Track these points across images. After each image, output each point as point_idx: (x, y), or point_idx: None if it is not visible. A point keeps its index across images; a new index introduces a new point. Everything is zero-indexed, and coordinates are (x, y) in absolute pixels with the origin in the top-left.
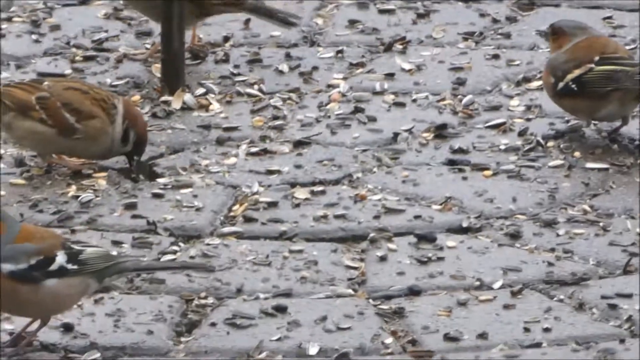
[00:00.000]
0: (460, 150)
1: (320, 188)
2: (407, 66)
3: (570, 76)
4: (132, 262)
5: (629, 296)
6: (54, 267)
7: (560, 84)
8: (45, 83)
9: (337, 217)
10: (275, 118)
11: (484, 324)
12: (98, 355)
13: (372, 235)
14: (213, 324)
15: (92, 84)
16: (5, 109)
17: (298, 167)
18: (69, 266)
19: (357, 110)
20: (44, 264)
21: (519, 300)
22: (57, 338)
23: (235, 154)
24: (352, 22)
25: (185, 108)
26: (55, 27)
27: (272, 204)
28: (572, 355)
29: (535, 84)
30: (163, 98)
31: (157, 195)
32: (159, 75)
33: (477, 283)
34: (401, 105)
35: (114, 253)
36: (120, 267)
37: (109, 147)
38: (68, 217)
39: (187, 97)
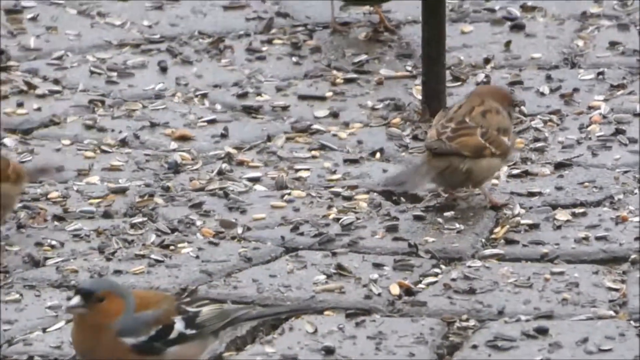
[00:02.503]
0: None
1: (581, 210)
2: None
3: None
4: (244, 313)
5: None
6: (173, 335)
7: None
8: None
9: (598, 238)
10: (537, 140)
11: None
12: None
13: (633, 257)
14: (474, 346)
15: None
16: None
17: (559, 188)
18: (188, 332)
19: (618, 131)
20: (163, 334)
21: None
22: None
23: (497, 176)
24: (613, 44)
25: None
26: (316, 49)
27: (534, 226)
28: None
29: None
30: (424, 120)
31: (418, 218)
32: (419, 97)
33: None
34: None
35: (226, 306)
36: (235, 321)
37: None
38: (329, 240)
39: None
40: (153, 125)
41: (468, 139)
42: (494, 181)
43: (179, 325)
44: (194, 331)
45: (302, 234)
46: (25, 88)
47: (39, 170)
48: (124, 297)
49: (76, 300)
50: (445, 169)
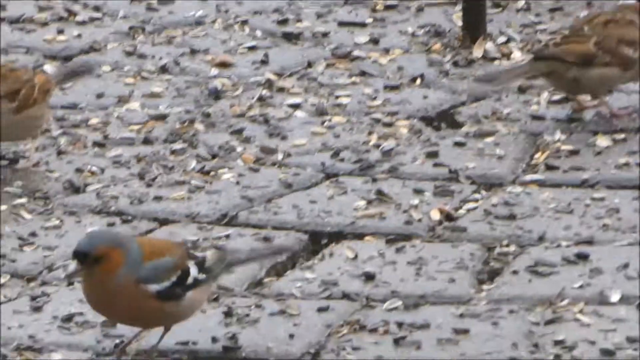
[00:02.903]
0: None
1: (622, 136)
2: None
3: None
4: (235, 257)
5: None
6: (190, 280)
7: None
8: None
9: (639, 164)
10: None
11: None
12: (399, 303)
13: None
14: (515, 272)
15: None
16: (568, 66)
17: (600, 114)
18: (200, 276)
19: None
20: (182, 279)
21: None
22: (359, 287)
23: (537, 101)
24: None
25: (487, 57)
26: None
27: (574, 152)
28: None
29: None
30: (464, 46)
31: (458, 144)
32: (460, 23)
33: None
34: None
35: (221, 250)
36: (229, 266)
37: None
38: (369, 166)
39: (489, 45)
40: (193, 52)
41: (575, 46)
42: (534, 107)
43: (193, 271)
44: (204, 276)
45: (342, 160)
46: (65, 15)
47: (68, 73)
48: (122, 247)
49: (73, 266)
50: (548, 74)
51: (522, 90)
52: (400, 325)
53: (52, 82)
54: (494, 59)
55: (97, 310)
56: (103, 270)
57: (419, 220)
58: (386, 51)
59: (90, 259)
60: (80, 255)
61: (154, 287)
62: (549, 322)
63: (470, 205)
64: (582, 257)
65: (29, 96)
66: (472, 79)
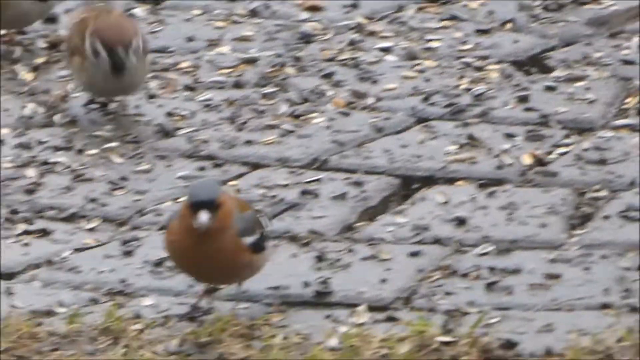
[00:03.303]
0: None
1: None
2: None
3: None
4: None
5: None
6: (266, 233)
7: None
8: None
9: None
10: None
11: None
12: (491, 248)
13: None
14: (606, 217)
15: None
16: None
17: None
18: (268, 230)
19: None
20: (264, 232)
21: None
22: (450, 231)
23: (628, 46)
24: None
25: (577, 1)
26: None
27: None
28: None
29: None
30: None
31: (550, 88)
32: None
33: None
34: None
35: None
36: None
37: None
38: (460, 110)
39: None
40: None
41: None
42: (624, 51)
43: (266, 223)
44: (269, 229)
45: (433, 104)
46: None
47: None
48: (229, 196)
49: (205, 216)
50: None
51: (613, 35)
52: (491, 270)
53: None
54: (584, 3)
55: (193, 267)
56: (223, 218)
57: (510, 164)
58: None
59: (215, 207)
60: (208, 204)
61: (248, 240)
62: None
63: (561, 149)
64: None
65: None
66: (583, 22)
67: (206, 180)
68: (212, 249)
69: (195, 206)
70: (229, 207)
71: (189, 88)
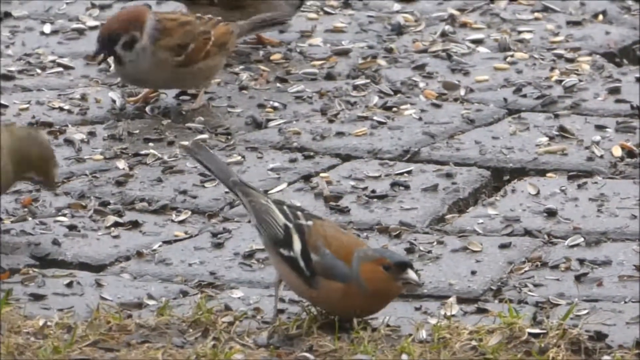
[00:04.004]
0: None
1: None
2: None
3: None
4: None
5: None
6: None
7: None
8: None
9: None
10: None
11: None
12: (581, 239)
13: None
14: None
15: None
16: None
17: None
18: None
19: None
20: None
21: None
22: (541, 223)
23: None
24: None
25: None
26: None
27: None
28: None
29: None
30: None
31: None
32: None
33: None
34: None
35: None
36: None
37: None
38: (552, 102)
39: None
40: None
41: None
42: None
43: None
44: None
45: (524, 95)
46: None
47: (261, 22)
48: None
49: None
50: None
51: None
52: (581, 262)
53: (232, 33)
54: None
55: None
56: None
57: (601, 156)
58: None
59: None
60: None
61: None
62: None
63: None
64: None
65: (200, 50)
66: None
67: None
68: (389, 300)
69: (403, 265)
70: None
71: (280, 79)
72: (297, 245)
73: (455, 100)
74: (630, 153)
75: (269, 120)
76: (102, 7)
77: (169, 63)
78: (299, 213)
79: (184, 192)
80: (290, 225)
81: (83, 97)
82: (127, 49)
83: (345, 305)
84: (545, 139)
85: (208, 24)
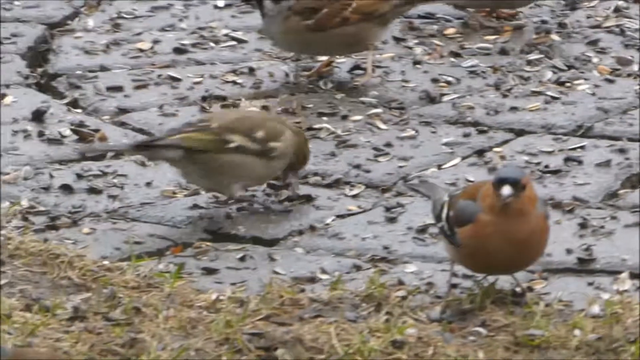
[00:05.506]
0: None
1: None
2: None
3: None
4: None
5: None
6: None
7: None
8: None
9: None
10: None
11: None
12: None
13: None
14: None
15: None
16: None
17: None
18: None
19: None
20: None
21: None
22: None
23: None
24: None
25: None
26: None
27: None
28: None
29: None
30: None
31: None
32: None
33: None
34: None
35: None
36: None
37: None
38: None
39: None
40: None
41: None
42: None
43: None
44: None
45: None
46: None
47: None
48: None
49: (508, 190)
50: None
51: None
52: None
53: (387, 2)
54: None
55: (497, 249)
56: (527, 200)
57: None
58: None
59: (519, 187)
60: (513, 181)
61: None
62: None
63: None
64: None
65: (333, 15)
66: None
67: (512, 165)
68: (525, 231)
69: (500, 182)
70: (533, 192)
71: (454, 54)
72: (444, 213)
73: (629, 75)
74: None
75: (442, 95)
76: None
77: (300, 26)
78: None
79: (358, 167)
80: (446, 198)
81: (255, 71)
82: (275, 1)
83: (484, 246)
84: None
85: None
